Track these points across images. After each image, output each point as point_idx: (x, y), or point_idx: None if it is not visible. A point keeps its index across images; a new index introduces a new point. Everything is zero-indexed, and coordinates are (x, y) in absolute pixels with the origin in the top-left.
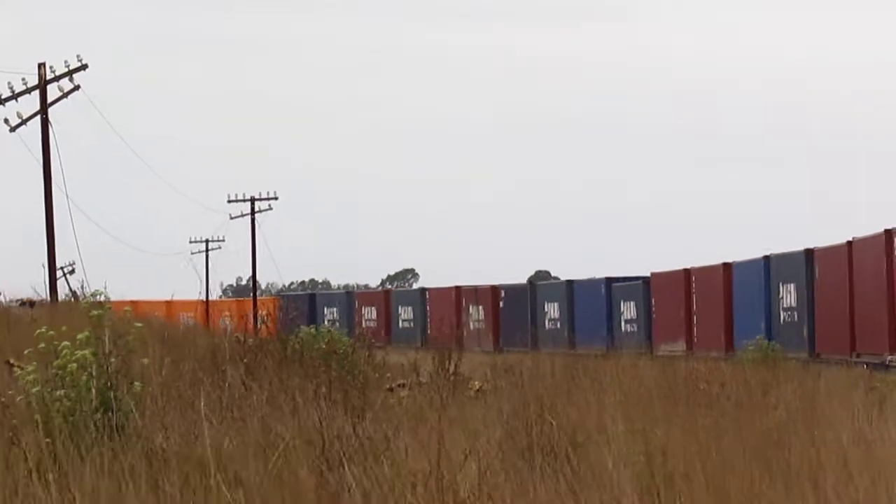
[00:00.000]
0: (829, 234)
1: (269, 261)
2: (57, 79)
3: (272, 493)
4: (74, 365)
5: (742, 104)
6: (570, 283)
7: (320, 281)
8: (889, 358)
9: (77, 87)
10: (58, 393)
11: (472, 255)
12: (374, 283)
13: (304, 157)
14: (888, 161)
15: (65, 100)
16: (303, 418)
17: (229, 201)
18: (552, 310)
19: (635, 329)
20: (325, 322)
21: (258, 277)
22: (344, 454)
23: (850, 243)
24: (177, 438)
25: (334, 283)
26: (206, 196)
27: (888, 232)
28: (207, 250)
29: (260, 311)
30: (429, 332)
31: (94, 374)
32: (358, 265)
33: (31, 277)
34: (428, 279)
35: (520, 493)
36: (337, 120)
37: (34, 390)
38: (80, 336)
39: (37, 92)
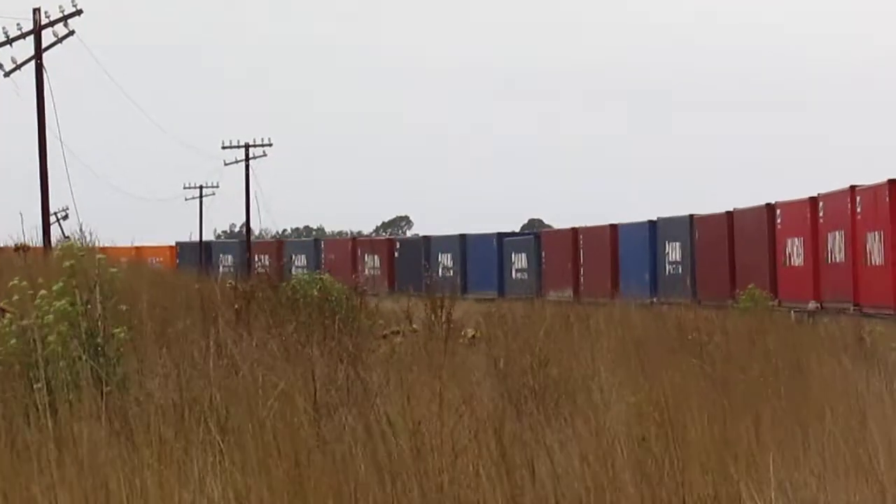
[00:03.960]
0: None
1: (264, 207)
2: (52, 24)
3: (268, 439)
4: (51, 316)
5: None
6: (462, 236)
7: (315, 227)
8: (771, 304)
9: (72, 33)
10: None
11: (470, 203)
12: (369, 229)
13: (300, 103)
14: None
15: (60, 46)
16: (295, 365)
17: (223, 147)
18: (446, 259)
19: (526, 277)
20: (221, 269)
21: (252, 224)
22: (338, 400)
23: (729, 213)
24: (168, 384)
25: (329, 229)
26: (201, 142)
27: (769, 206)
28: (201, 196)
29: (156, 258)
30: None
31: (74, 323)
32: (355, 212)
33: (25, 223)
34: (422, 226)
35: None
36: (333, 64)
37: (11, 342)
38: (55, 287)
39: (31, 37)
